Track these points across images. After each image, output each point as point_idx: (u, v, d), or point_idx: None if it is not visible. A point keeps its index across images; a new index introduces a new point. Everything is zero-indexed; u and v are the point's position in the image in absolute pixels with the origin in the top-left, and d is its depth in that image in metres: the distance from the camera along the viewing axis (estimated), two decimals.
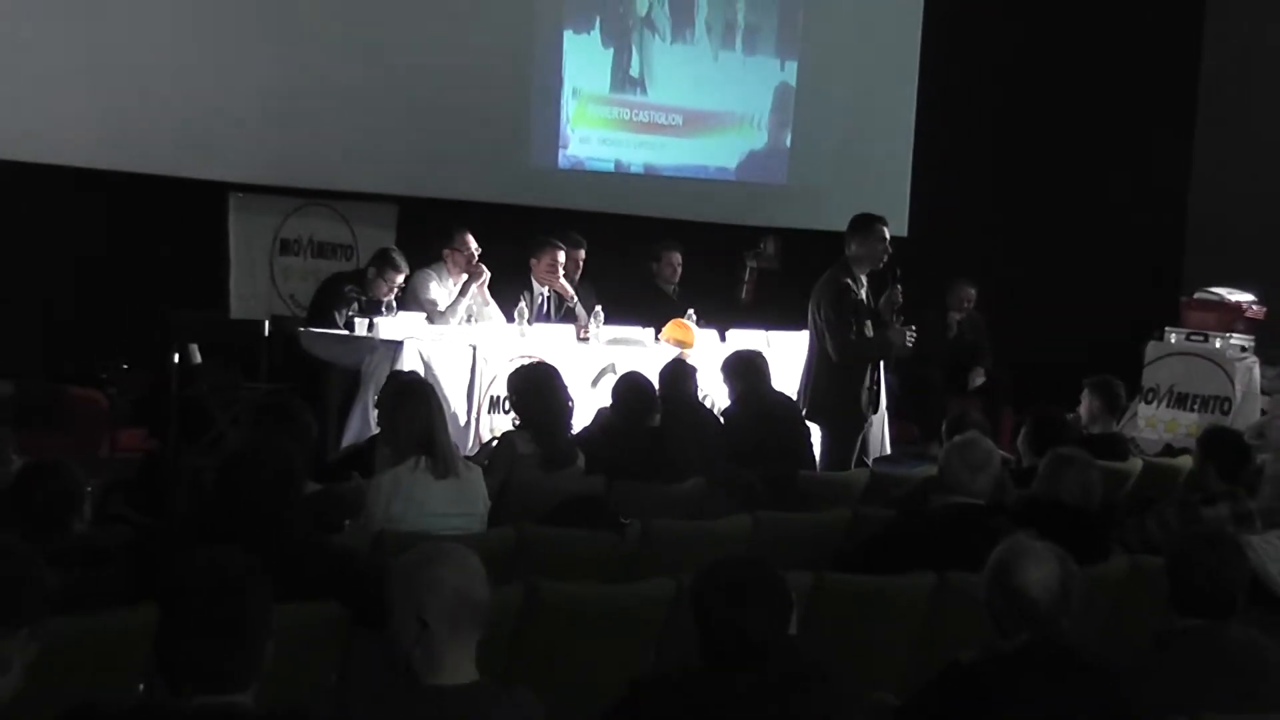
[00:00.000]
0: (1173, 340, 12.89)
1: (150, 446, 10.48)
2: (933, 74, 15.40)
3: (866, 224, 9.88)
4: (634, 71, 13.94)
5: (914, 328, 9.92)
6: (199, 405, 10.71)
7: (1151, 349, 12.90)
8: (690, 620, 4.23)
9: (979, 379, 13.57)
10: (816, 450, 9.70)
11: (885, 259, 9.87)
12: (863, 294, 9.81)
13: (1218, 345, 12.73)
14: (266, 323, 11.26)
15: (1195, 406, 12.55)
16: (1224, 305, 12.99)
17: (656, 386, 8.46)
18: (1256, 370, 12.70)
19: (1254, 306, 13.02)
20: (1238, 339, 12.79)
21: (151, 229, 11.53)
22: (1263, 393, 12.55)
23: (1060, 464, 6.76)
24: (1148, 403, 12.69)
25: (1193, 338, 12.83)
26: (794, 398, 9.78)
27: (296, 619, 4.59)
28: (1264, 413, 12.08)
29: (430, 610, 3.70)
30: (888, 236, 9.91)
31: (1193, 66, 15.87)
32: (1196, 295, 13.24)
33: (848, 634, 5.76)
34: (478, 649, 3.88)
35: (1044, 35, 15.59)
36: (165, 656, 3.31)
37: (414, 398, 6.62)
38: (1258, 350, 12.83)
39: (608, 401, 8.76)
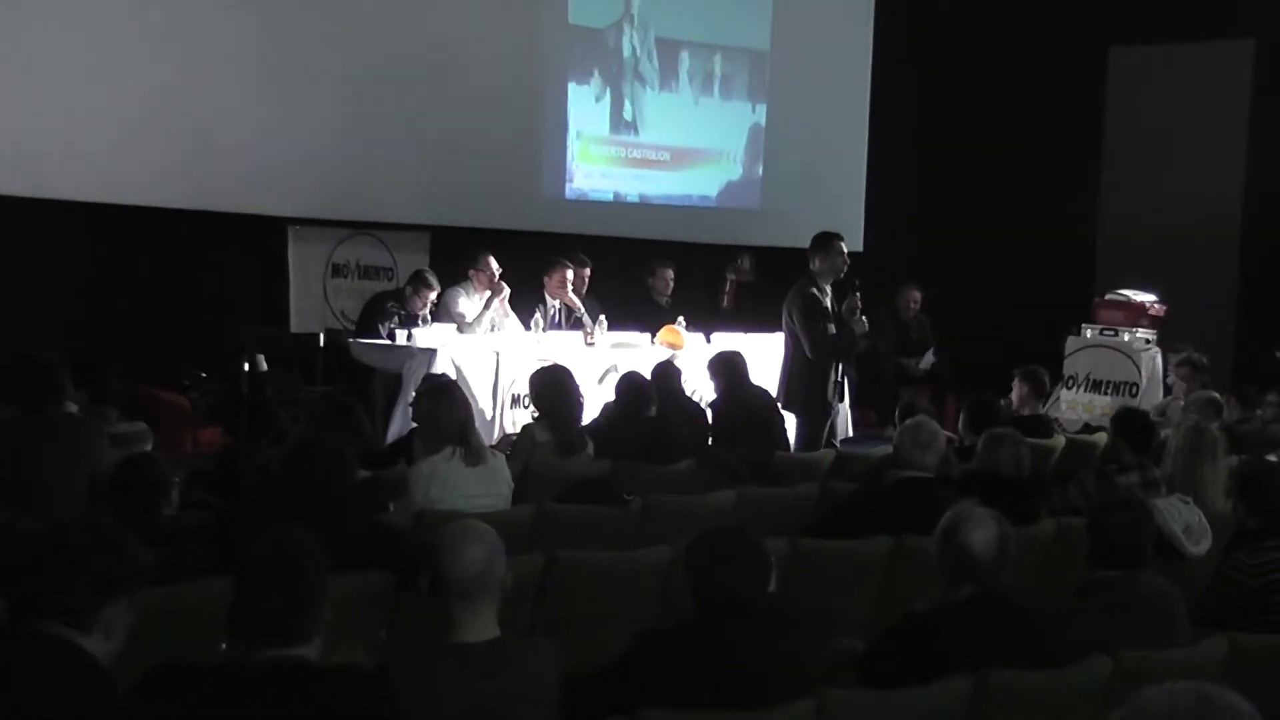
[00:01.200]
0: (1088, 335, 12.89)
1: (225, 441, 10.48)
2: (881, 113, 15.46)
3: (826, 241, 9.87)
4: (628, 116, 13.94)
5: (865, 319, 9.90)
6: (265, 406, 10.71)
7: (1070, 343, 12.90)
8: (685, 580, 4.23)
9: (925, 364, 13.58)
10: (791, 435, 9.69)
11: (844, 270, 9.87)
12: (827, 301, 9.81)
13: (1126, 339, 12.73)
14: (321, 335, 11.24)
15: (1108, 391, 12.56)
16: (1130, 305, 12.99)
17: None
18: (1159, 359, 12.71)
19: (1155, 305, 13.03)
20: (1142, 333, 12.80)
21: (224, 257, 11.55)
22: (1164, 378, 12.56)
23: (995, 442, 6.76)
24: (1068, 388, 12.70)
25: (1105, 333, 12.83)
26: (771, 390, 9.76)
27: (351, 586, 4.60)
28: (1167, 395, 12.08)
29: (456, 580, 3.70)
30: (845, 251, 9.91)
31: (1098, 106, 15.88)
32: (1107, 296, 13.23)
33: (818, 590, 5.74)
34: (507, 608, 3.89)
35: (972, 82, 15.62)
36: (238, 618, 3.33)
37: (446, 397, 6.61)
38: (1159, 342, 12.84)
39: (612, 397, 8.78)
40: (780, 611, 4.23)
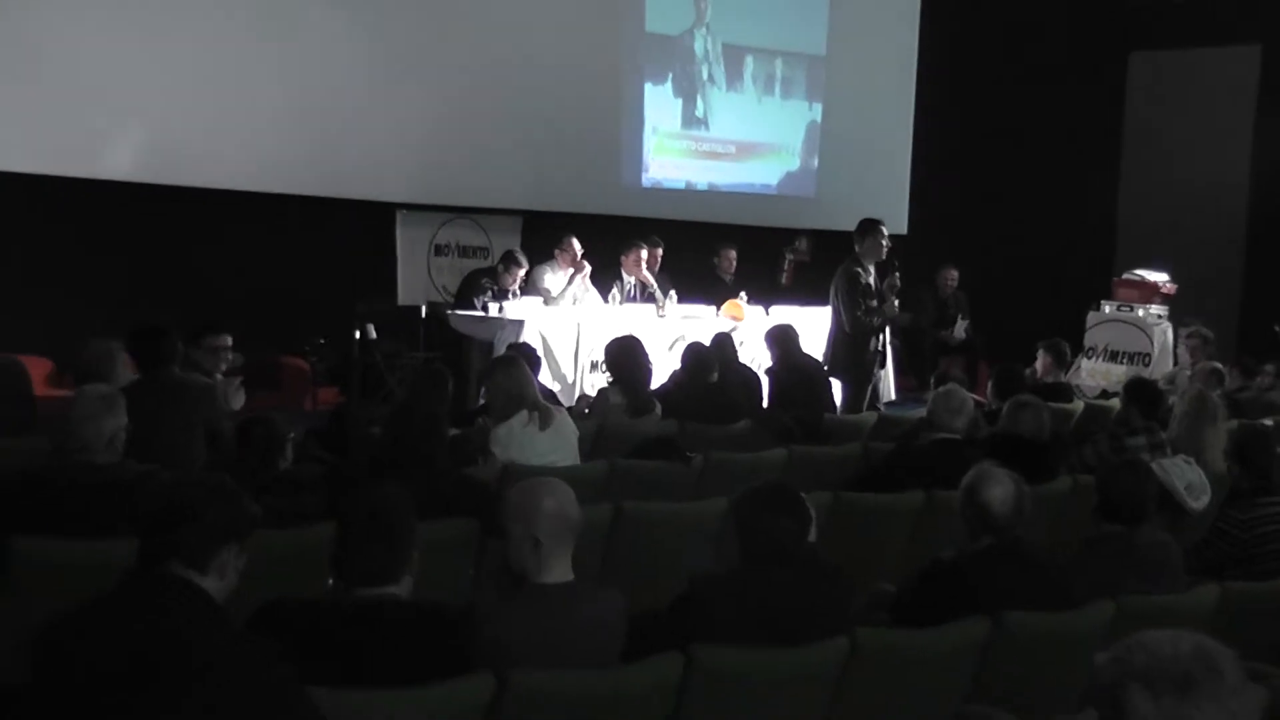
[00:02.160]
0: (1106, 310, 12.76)
1: (339, 401, 10.58)
2: (924, 111, 15.34)
3: (870, 227, 9.82)
4: (699, 113, 13.89)
5: (897, 301, 9.84)
6: (374, 369, 10.79)
7: (1091, 317, 12.79)
8: (734, 530, 4.23)
9: (960, 334, 13.49)
10: (837, 398, 9.66)
11: (886, 252, 9.81)
12: (870, 280, 9.76)
13: (1140, 314, 12.60)
14: (424, 307, 11.31)
15: (1124, 360, 12.43)
16: (1145, 284, 12.84)
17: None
18: (1170, 332, 12.56)
19: (1167, 284, 12.88)
20: (1155, 309, 12.67)
21: (341, 239, 11.65)
22: (1174, 350, 12.42)
23: (1019, 408, 6.71)
24: (1088, 358, 12.57)
25: (1122, 308, 12.70)
26: (819, 359, 9.73)
27: (443, 532, 4.64)
28: (1176, 365, 11.94)
29: (536, 527, 3.71)
30: (886, 234, 9.85)
31: (1119, 106, 15.70)
32: (1125, 276, 13.09)
33: (858, 539, 5.74)
34: (579, 553, 3.90)
35: (1006, 84, 15.48)
36: (339, 562, 3.37)
37: (511, 368, 6.57)
38: (1170, 317, 12.70)
39: (679, 365, 8.78)
40: (819, 559, 4.22)
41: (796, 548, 4.07)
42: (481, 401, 7.37)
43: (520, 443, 6.19)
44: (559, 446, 6.33)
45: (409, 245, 12.13)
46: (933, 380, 8.47)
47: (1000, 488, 4.48)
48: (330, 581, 3.45)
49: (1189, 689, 2.37)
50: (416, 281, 12.10)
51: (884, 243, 9.75)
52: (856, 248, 9.76)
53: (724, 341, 8.93)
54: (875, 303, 9.68)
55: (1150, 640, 2.46)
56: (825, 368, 9.63)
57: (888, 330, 10.06)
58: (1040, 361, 9.66)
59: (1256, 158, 14.93)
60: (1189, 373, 10.44)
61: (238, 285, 10.97)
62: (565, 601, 3.71)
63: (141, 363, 6.36)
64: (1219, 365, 9.95)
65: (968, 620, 4.16)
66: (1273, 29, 14.83)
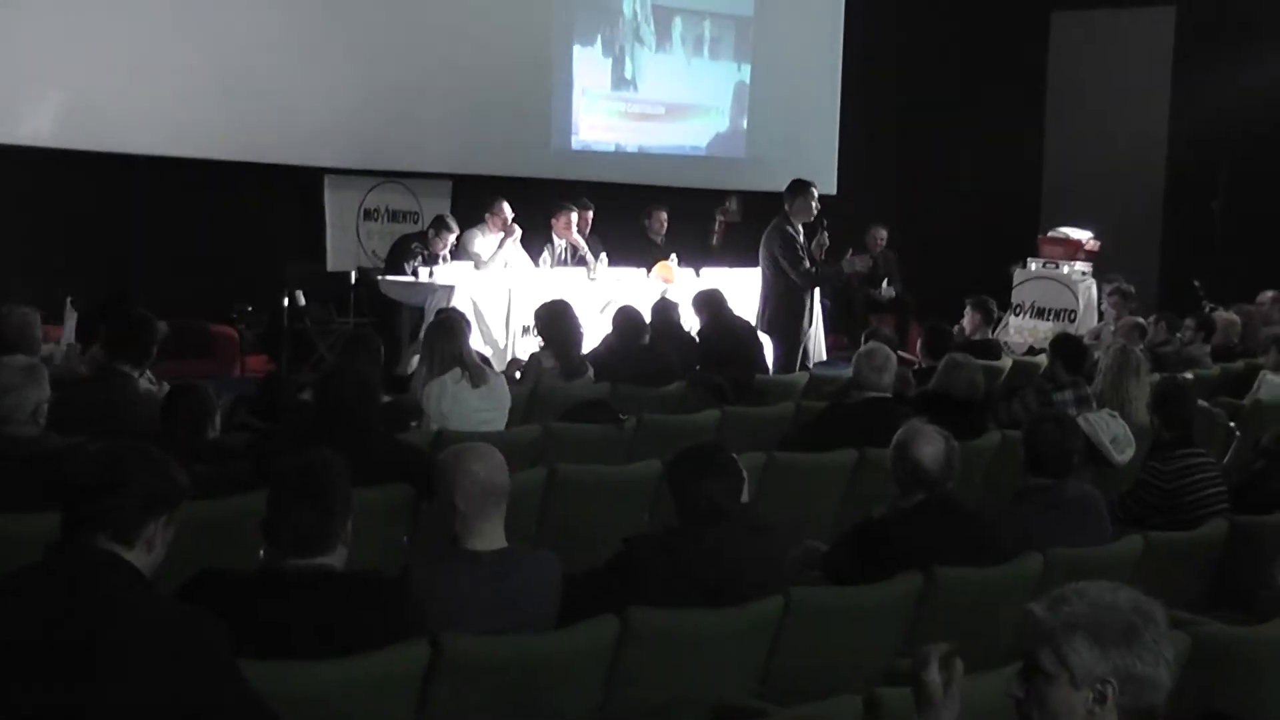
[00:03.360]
0: (1032, 268, 12.87)
1: (269, 368, 10.46)
2: (852, 71, 15.36)
3: (801, 187, 9.83)
4: (628, 74, 13.82)
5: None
6: (305, 336, 10.69)
7: (1018, 274, 12.89)
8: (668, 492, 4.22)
9: (886, 293, 13.56)
10: (769, 358, 9.67)
11: (815, 212, 9.83)
12: (800, 239, 9.78)
13: (1065, 271, 12.71)
14: (354, 273, 11.19)
15: (1050, 317, 12.54)
16: (1069, 241, 12.95)
17: (648, 317, 8.42)
18: (1094, 289, 12.69)
19: (1091, 241, 13.00)
20: (1080, 266, 12.78)
21: (268, 204, 11.53)
22: (1098, 305, 12.53)
23: (954, 367, 6.76)
24: (1016, 315, 12.68)
25: (1047, 265, 12.82)
26: (751, 319, 9.73)
27: (376, 498, 4.59)
28: (1100, 321, 12.06)
29: (465, 493, 3.69)
30: (816, 195, 9.87)
31: (1042, 65, 15.83)
32: (1049, 234, 13.21)
33: (791, 498, 5.75)
34: (513, 516, 3.88)
35: (932, 44, 15.55)
36: (271, 531, 3.31)
37: (444, 329, 6.56)
38: (1094, 274, 12.81)
39: (611, 328, 8.75)
40: (752, 518, 4.22)
41: (730, 508, 4.07)
42: (412, 369, 7.32)
43: (452, 397, 6.16)
44: (491, 406, 6.31)
45: (338, 210, 11.99)
46: (863, 338, 8.47)
47: (931, 445, 4.50)
48: (263, 552, 3.40)
49: (1132, 638, 2.42)
50: (346, 247, 11.97)
51: (814, 203, 9.77)
52: (787, 207, 9.78)
53: (667, 305, 8.91)
54: (808, 264, 9.71)
55: (1089, 591, 2.50)
56: (758, 327, 9.63)
57: (817, 290, 10.08)
58: (968, 319, 9.73)
59: (1174, 117, 15.10)
60: (1112, 328, 10.55)
61: (164, 253, 10.82)
62: (499, 567, 3.68)
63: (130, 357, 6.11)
64: (1141, 320, 10.07)
65: (900, 576, 4.18)
66: None
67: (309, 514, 3.27)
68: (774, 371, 9.40)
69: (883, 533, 4.46)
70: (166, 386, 5.92)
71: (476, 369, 6.33)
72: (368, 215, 12.18)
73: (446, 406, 6.12)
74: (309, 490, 3.29)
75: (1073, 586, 2.55)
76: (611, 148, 13.87)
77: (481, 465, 3.72)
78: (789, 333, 9.75)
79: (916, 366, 8.22)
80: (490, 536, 3.71)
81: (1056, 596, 2.53)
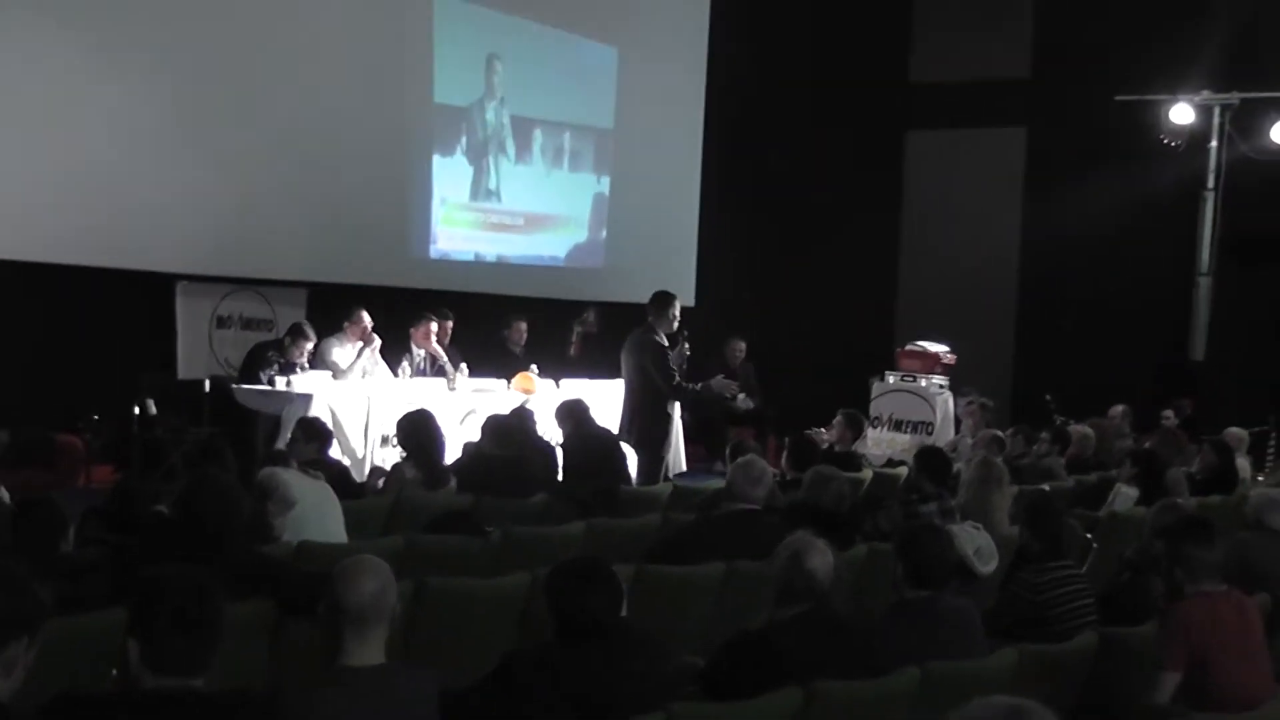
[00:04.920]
0: (890, 380, 13.07)
1: (118, 478, 10.16)
2: (710, 185, 15.60)
3: (666, 298, 9.91)
4: (487, 185, 13.86)
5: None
6: (156, 445, 10.42)
7: (876, 387, 13.07)
8: (542, 605, 4.15)
9: (746, 405, 13.65)
10: (633, 469, 9.64)
11: (677, 324, 9.90)
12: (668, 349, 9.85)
13: (923, 384, 12.92)
14: (207, 381, 10.96)
15: (908, 429, 12.73)
16: (926, 354, 13.18)
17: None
18: (950, 401, 12.90)
19: (948, 355, 13.24)
20: (937, 379, 13.01)
21: (118, 310, 11.23)
22: (955, 418, 12.75)
23: (824, 480, 6.79)
24: (874, 427, 12.81)
25: (905, 378, 13.02)
26: (614, 430, 9.71)
27: (239, 613, 4.43)
28: (957, 433, 12.26)
29: (351, 608, 3.58)
30: (679, 307, 9.94)
31: (897, 182, 16.25)
32: (907, 347, 13.43)
33: (660, 612, 5.68)
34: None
35: (790, 160, 15.87)
36: (141, 650, 3.15)
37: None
38: (950, 387, 13.04)
39: (471, 437, 8.67)
40: (632, 632, 4.16)
41: (610, 622, 4.01)
42: None
43: (293, 483, 6.06)
44: (325, 499, 6.21)
45: (189, 317, 11.75)
46: (727, 451, 8.50)
47: (823, 557, 4.52)
48: (115, 672, 3.23)
49: None
50: (198, 355, 11.72)
51: (676, 315, 9.84)
52: (651, 318, 9.82)
53: (523, 414, 8.86)
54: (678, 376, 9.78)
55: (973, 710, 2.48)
56: (623, 438, 9.62)
57: (679, 402, 10.12)
58: (837, 430, 9.82)
59: (1025, 234, 15.58)
60: (970, 440, 10.73)
61: (5, 359, 10.47)
62: (378, 684, 3.57)
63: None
64: (999, 433, 10.25)
65: (781, 690, 4.14)
66: (1035, 113, 15.55)
67: (186, 641, 3.12)
68: (638, 483, 9.37)
69: (763, 645, 4.42)
70: (6, 495, 5.69)
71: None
72: (221, 323, 11.95)
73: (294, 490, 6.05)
74: (189, 613, 3.15)
75: (963, 705, 2.53)
76: (470, 257, 13.86)
77: (371, 578, 3.62)
78: (653, 444, 9.75)
79: (780, 478, 8.25)
80: (370, 653, 3.60)
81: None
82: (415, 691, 3.65)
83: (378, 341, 10.67)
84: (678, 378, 9.80)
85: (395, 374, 10.67)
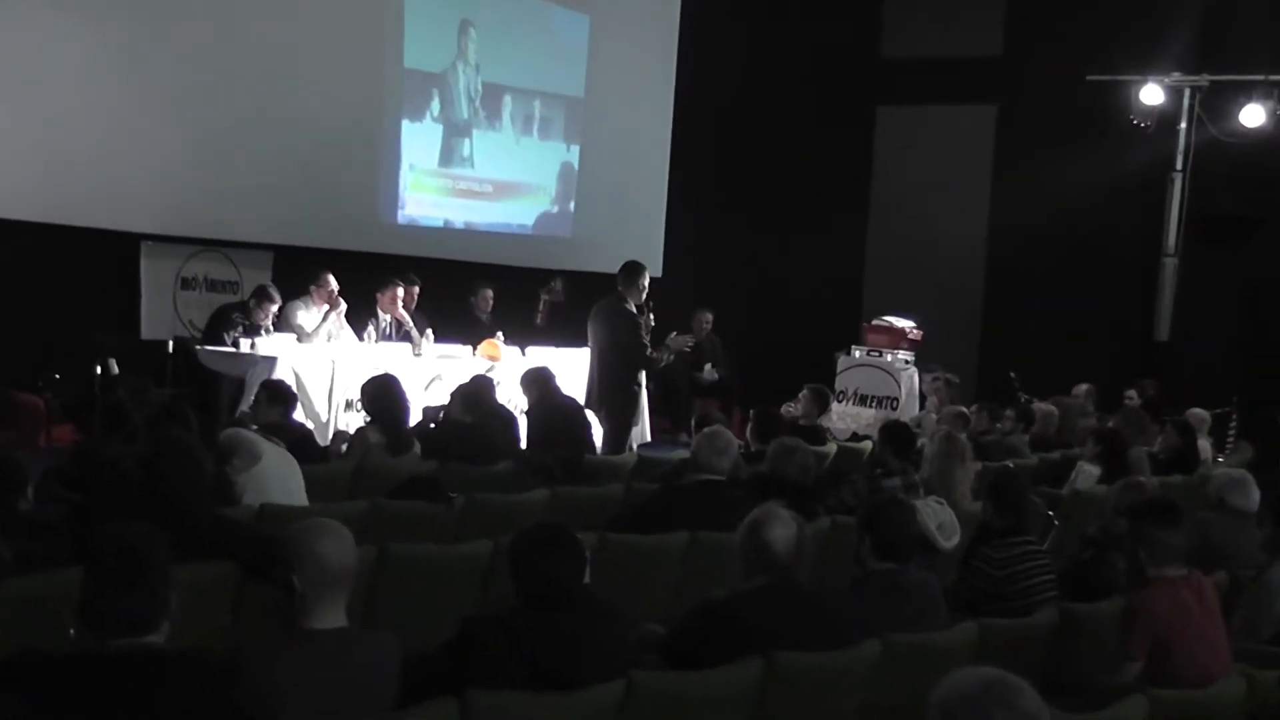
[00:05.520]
0: (856, 355, 13.09)
1: (79, 439, 10.08)
2: (679, 156, 15.56)
3: (636, 268, 9.90)
4: (456, 151, 13.80)
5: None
6: (118, 406, 10.30)
7: (842, 361, 13.09)
8: (506, 572, 4.14)
9: (708, 376, 13.66)
10: (598, 438, 9.64)
11: (645, 294, 9.90)
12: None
13: (889, 359, 12.95)
14: (171, 342, 10.89)
15: (873, 404, 12.75)
16: (893, 330, 13.20)
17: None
18: (916, 377, 12.93)
19: (914, 330, 13.27)
20: (902, 354, 13.03)
21: (81, 269, 11.13)
22: (920, 394, 12.79)
23: (788, 451, 6.78)
24: (839, 401, 12.82)
25: (871, 353, 13.04)
26: (579, 398, 9.70)
27: (200, 576, 4.42)
28: (922, 409, 12.30)
29: (312, 571, 3.57)
30: (648, 277, 9.94)
31: (867, 157, 16.24)
32: (873, 322, 13.45)
33: (623, 580, 5.69)
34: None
35: (760, 132, 15.85)
36: (90, 610, 3.15)
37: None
38: (916, 363, 13.07)
39: (436, 403, 8.64)
40: (594, 600, 4.16)
41: (572, 589, 4.01)
42: None
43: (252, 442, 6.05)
44: (287, 463, 6.20)
45: (154, 278, 11.67)
46: (693, 422, 8.52)
47: (783, 529, 4.51)
48: (74, 631, 3.22)
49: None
50: (162, 315, 11.64)
51: (645, 285, 9.83)
52: (620, 287, 9.81)
53: (483, 381, 8.83)
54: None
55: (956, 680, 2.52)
56: (590, 406, 9.61)
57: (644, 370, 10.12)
58: (803, 404, 9.84)
59: (994, 211, 15.60)
60: (934, 416, 10.77)
61: None
62: (338, 647, 3.56)
63: None
64: (964, 409, 10.29)
65: (743, 660, 4.15)
66: (1006, 91, 15.57)
67: (131, 596, 3.13)
68: (603, 452, 9.37)
69: (726, 615, 4.42)
70: None
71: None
72: (185, 284, 11.88)
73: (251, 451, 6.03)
74: (128, 571, 3.15)
75: (946, 676, 2.57)
76: (439, 223, 13.81)
77: (331, 545, 3.59)
78: (620, 413, 9.75)
79: (745, 450, 8.26)
80: (331, 616, 3.59)
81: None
82: (376, 655, 3.64)
83: (343, 305, 10.63)
84: (650, 348, 9.81)
85: (360, 338, 10.63)
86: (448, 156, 13.72)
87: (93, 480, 5.72)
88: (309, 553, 3.56)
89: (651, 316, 9.95)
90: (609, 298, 9.85)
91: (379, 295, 11.06)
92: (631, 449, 9.69)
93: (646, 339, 9.84)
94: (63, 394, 10.55)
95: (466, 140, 13.81)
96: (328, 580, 3.56)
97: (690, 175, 15.52)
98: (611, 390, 9.75)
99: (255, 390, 8.65)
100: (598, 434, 9.69)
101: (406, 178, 13.38)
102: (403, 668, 3.71)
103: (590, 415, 9.63)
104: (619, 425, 9.74)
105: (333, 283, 10.64)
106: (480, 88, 13.81)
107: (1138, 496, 6.07)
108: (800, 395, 9.96)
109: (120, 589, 3.13)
